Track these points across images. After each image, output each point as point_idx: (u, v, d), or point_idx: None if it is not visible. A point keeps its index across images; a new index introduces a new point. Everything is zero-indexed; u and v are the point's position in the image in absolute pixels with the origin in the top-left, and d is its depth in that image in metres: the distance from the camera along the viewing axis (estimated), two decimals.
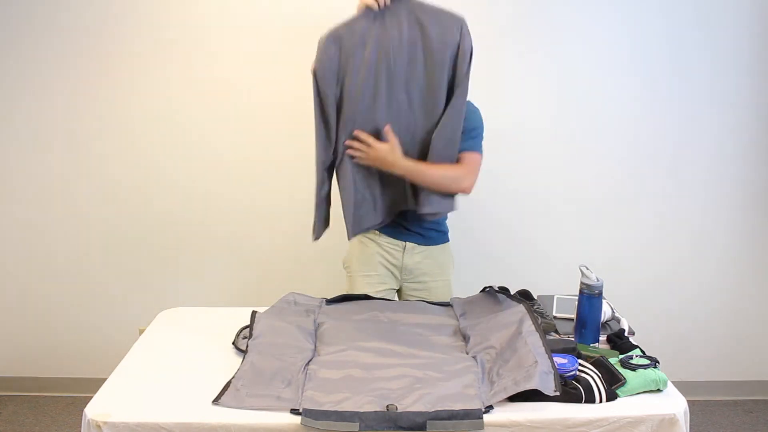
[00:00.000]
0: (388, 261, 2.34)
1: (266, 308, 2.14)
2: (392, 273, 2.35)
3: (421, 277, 2.35)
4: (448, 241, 2.41)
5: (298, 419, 1.52)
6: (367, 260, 2.34)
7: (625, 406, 1.59)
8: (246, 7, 2.67)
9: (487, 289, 2.22)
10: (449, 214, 2.34)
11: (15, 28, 2.69)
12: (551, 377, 1.60)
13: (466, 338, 1.91)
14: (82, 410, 1.60)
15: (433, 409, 1.53)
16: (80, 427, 1.61)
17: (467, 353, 1.81)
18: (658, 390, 1.66)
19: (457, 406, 1.55)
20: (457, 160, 2.15)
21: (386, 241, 2.33)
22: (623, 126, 2.81)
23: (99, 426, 1.54)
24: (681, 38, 2.73)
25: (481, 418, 1.52)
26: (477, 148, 2.19)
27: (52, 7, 2.67)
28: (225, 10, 2.67)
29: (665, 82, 2.77)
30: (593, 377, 1.64)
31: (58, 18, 2.67)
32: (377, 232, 2.33)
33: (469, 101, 2.18)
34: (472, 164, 2.17)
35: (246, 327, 1.97)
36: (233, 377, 1.69)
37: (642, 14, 2.70)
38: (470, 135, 2.17)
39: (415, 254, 2.33)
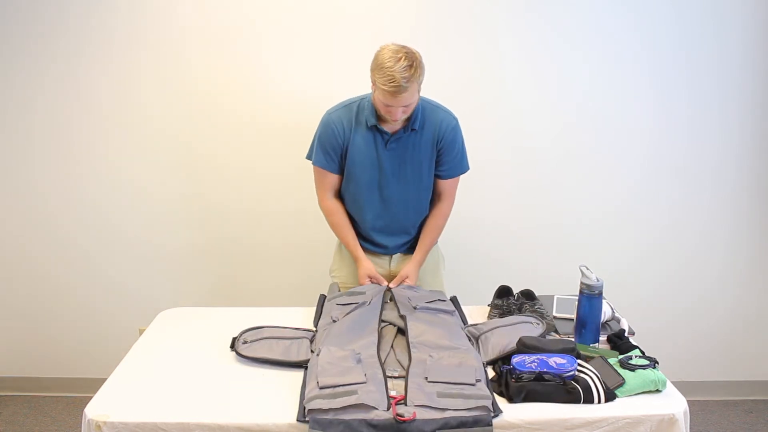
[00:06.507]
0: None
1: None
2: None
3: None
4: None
5: (294, 421, 1.52)
6: (354, 272, 2.28)
7: (624, 407, 1.59)
8: (245, 8, 2.68)
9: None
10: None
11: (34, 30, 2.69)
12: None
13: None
14: (82, 410, 1.61)
15: (441, 417, 1.51)
16: (80, 427, 1.61)
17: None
18: (657, 390, 1.66)
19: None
20: (438, 189, 2.23)
21: (371, 253, 2.28)
22: (627, 128, 2.80)
23: (99, 426, 1.54)
24: (687, 42, 2.72)
25: (491, 424, 1.50)
26: (463, 169, 2.24)
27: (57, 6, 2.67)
28: (226, 10, 2.68)
29: (671, 86, 2.75)
30: (592, 377, 1.64)
31: (68, 18, 2.68)
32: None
33: (436, 106, 2.14)
34: (453, 192, 2.26)
35: (244, 332, 1.92)
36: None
37: (647, 18, 2.70)
38: (454, 157, 2.18)
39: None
